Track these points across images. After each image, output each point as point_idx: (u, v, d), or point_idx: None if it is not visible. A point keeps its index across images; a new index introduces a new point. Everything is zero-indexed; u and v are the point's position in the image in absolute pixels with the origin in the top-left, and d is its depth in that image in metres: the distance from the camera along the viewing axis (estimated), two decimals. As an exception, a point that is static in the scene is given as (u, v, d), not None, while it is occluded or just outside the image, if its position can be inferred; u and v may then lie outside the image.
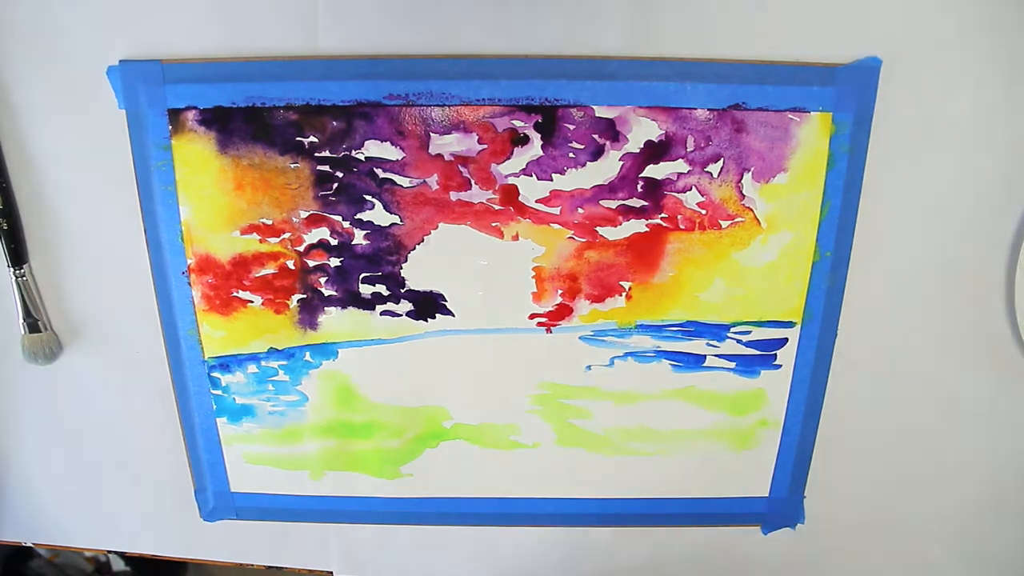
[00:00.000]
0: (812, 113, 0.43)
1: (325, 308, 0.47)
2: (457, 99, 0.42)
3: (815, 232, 0.45)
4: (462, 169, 0.44)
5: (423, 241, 0.45)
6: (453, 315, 0.47)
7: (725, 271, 0.46)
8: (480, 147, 0.43)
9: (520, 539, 0.54)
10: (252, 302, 0.47)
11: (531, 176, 0.44)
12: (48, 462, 0.53)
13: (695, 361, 0.48)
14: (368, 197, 0.45)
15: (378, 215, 0.45)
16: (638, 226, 0.45)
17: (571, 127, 0.43)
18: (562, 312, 0.47)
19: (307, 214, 0.45)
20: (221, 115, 0.43)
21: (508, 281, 0.46)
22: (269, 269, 0.46)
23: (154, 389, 0.50)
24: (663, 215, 0.45)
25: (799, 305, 0.47)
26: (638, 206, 0.45)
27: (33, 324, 0.48)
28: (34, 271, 0.48)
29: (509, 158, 0.44)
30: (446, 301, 0.47)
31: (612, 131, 0.43)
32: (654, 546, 0.54)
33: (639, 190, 0.44)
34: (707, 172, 0.44)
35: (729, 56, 0.42)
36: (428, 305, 0.47)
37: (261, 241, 0.46)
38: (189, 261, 0.46)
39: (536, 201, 0.44)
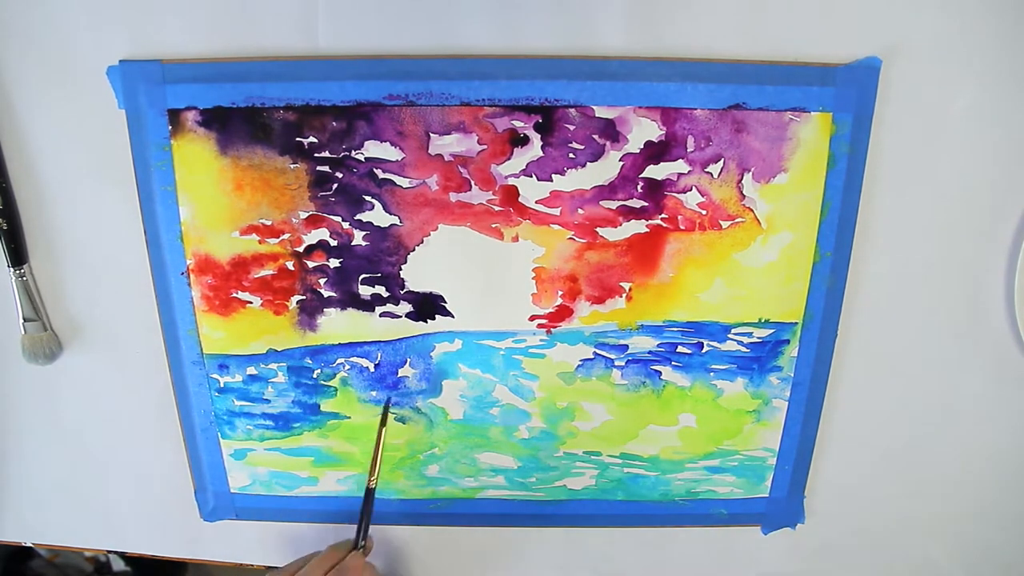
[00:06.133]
0: (812, 113, 0.43)
1: (324, 309, 0.47)
2: (457, 99, 0.42)
3: (815, 232, 0.45)
4: (462, 170, 0.44)
5: (423, 242, 0.45)
6: (453, 316, 0.47)
7: (725, 272, 0.46)
8: (480, 147, 0.43)
9: (520, 539, 0.54)
10: (251, 303, 0.47)
11: (531, 177, 0.44)
12: (48, 462, 0.53)
13: (696, 362, 0.48)
14: (368, 198, 0.45)
15: (378, 216, 0.45)
16: (638, 227, 0.45)
17: (571, 127, 0.43)
18: (562, 313, 0.47)
19: (306, 215, 0.45)
20: (221, 115, 0.43)
21: (508, 282, 0.46)
22: (268, 270, 0.46)
23: (154, 389, 0.50)
24: (663, 216, 0.45)
25: (799, 305, 0.47)
26: (638, 207, 0.44)
27: (33, 324, 0.48)
28: (34, 271, 0.48)
29: (509, 159, 0.44)
30: (446, 302, 0.47)
31: (612, 131, 0.43)
32: (654, 546, 0.54)
33: (639, 191, 0.44)
34: (707, 172, 0.44)
35: (729, 56, 0.42)
36: (428, 306, 0.47)
37: (260, 242, 0.46)
38: (188, 261, 0.46)
39: (536, 202, 0.44)
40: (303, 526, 0.54)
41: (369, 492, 0.49)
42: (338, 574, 0.45)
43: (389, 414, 0.49)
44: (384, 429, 0.49)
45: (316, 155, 0.44)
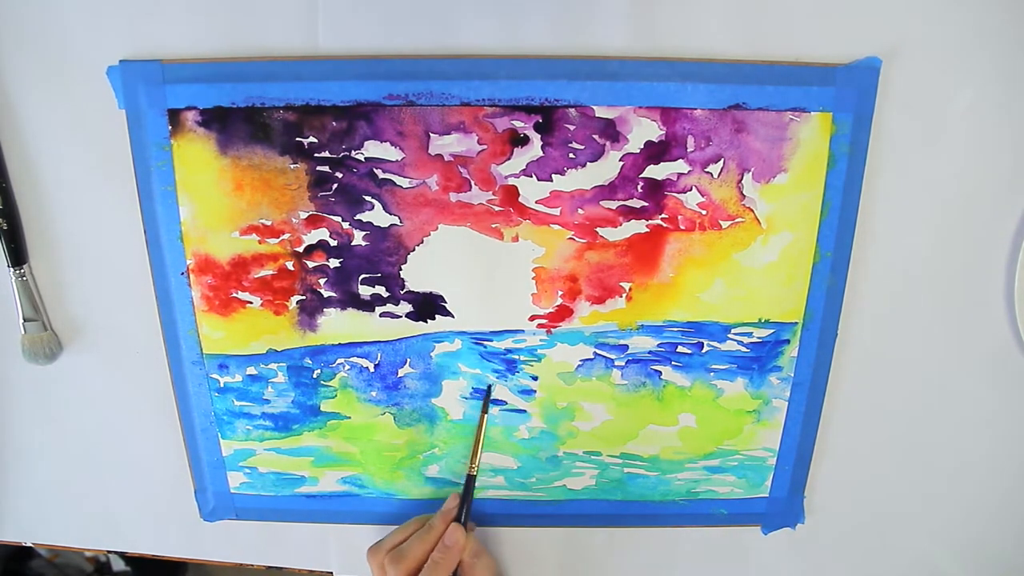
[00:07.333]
0: (812, 113, 0.43)
1: (324, 309, 0.47)
2: (457, 99, 0.42)
3: (815, 232, 0.45)
4: (462, 170, 0.44)
5: (423, 242, 0.45)
6: (453, 316, 0.47)
7: (726, 272, 0.46)
8: (480, 147, 0.43)
9: (520, 539, 0.54)
10: (251, 303, 0.47)
11: (531, 177, 0.44)
12: (48, 462, 0.53)
13: (696, 362, 0.48)
14: (368, 198, 0.45)
15: (378, 216, 0.45)
16: (638, 227, 0.45)
17: (571, 127, 0.43)
18: (562, 313, 0.47)
19: (306, 215, 0.45)
20: (221, 115, 0.43)
21: (508, 282, 0.46)
22: (268, 270, 0.46)
23: (154, 389, 0.50)
24: (663, 216, 0.45)
25: (799, 305, 0.47)
26: (638, 207, 0.44)
27: (33, 324, 0.48)
28: (34, 271, 0.48)
29: (509, 159, 0.44)
30: (446, 302, 0.47)
31: (612, 131, 0.43)
32: (654, 546, 0.54)
33: (639, 191, 0.44)
34: (707, 172, 0.44)
35: (729, 56, 0.42)
36: (428, 306, 0.47)
37: (260, 242, 0.46)
38: (188, 261, 0.46)
39: (536, 202, 0.44)
40: (303, 526, 0.54)
41: (469, 479, 0.49)
42: (441, 552, 0.45)
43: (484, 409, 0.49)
44: (485, 416, 0.49)
45: (316, 155, 0.44)
